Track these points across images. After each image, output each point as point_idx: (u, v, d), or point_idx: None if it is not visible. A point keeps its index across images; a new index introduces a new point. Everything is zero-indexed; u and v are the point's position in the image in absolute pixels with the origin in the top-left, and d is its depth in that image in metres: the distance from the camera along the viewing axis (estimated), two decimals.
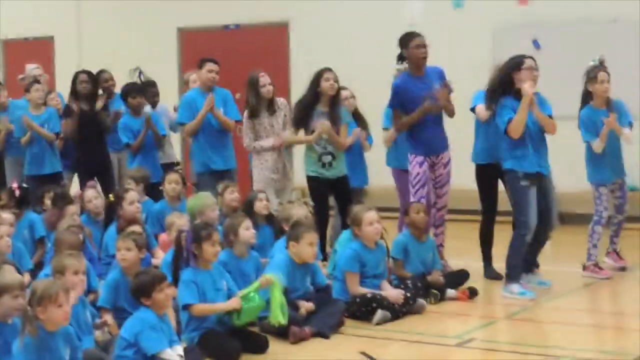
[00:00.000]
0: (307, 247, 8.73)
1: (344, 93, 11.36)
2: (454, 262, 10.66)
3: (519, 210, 9.73)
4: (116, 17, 18.22)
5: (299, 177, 12.14)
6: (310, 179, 11.13)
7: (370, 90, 12.66)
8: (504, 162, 9.78)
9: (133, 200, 10.11)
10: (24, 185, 12.22)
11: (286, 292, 8.27)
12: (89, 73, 13.50)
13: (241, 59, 15.87)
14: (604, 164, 10.60)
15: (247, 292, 7.98)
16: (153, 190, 11.48)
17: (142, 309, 7.16)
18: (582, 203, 11.96)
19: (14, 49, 19.39)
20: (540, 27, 14.50)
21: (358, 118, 11.62)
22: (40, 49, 18.85)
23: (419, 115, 10.36)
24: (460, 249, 11.37)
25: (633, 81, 12.99)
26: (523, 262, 10.03)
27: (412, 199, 10.43)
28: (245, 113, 11.50)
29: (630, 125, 10.59)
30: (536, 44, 14.22)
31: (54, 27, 18.94)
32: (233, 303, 7.91)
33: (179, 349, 7.04)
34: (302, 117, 10.97)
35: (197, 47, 17.21)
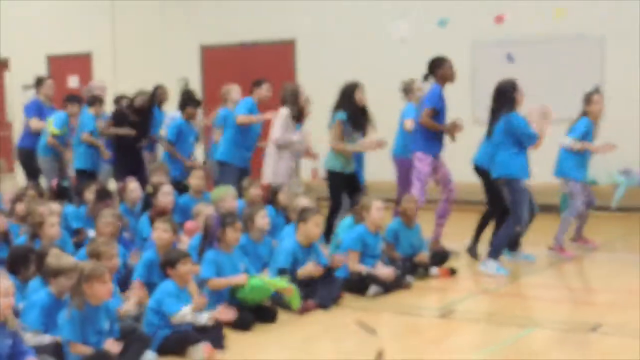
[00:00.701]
0: (313, 227, 8.89)
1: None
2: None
3: (517, 206, 9.94)
4: (146, 36, 18.22)
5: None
6: (332, 174, 11.11)
7: (371, 98, 12.74)
8: (507, 170, 9.97)
9: (168, 192, 10.30)
10: (63, 182, 12.53)
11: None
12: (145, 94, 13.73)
13: (256, 72, 16.00)
14: (584, 164, 10.80)
15: (264, 281, 8.14)
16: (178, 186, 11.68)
17: (166, 280, 7.36)
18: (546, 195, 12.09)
19: (57, 63, 19.46)
20: (514, 43, 14.51)
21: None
22: (80, 64, 18.93)
23: (446, 128, 10.66)
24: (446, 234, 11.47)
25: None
26: (510, 243, 10.30)
27: (416, 192, 10.57)
28: (286, 112, 11.55)
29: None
30: (510, 57, 14.30)
31: (92, 44, 18.96)
32: (240, 278, 8.07)
33: (205, 317, 7.22)
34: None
35: (217, 62, 17.32)
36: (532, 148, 9.99)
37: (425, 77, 10.83)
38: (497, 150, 10.01)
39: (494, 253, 10.08)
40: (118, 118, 13.41)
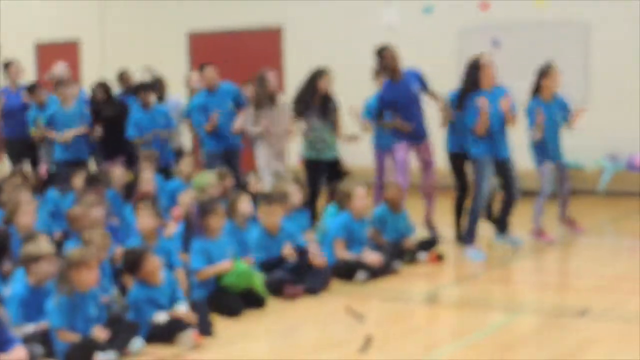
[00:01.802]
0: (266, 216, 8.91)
1: None
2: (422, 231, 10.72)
3: (478, 182, 9.97)
4: (134, 23, 18.13)
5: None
6: (308, 162, 11.17)
7: (355, 85, 12.73)
8: (472, 150, 9.98)
9: (149, 179, 10.25)
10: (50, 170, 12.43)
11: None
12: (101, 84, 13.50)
13: (242, 59, 15.94)
14: (547, 147, 10.71)
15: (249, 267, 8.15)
16: (165, 173, 11.60)
17: (135, 283, 7.26)
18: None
19: (45, 51, 19.34)
20: (499, 29, 14.51)
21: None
22: (68, 51, 18.84)
23: (389, 125, 10.68)
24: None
25: (578, 76, 13.11)
26: (501, 225, 10.30)
27: (399, 178, 10.56)
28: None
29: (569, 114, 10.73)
30: (496, 43, 14.27)
31: (80, 31, 18.87)
32: (226, 265, 8.02)
33: (183, 307, 7.16)
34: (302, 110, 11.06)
35: (204, 49, 17.27)
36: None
37: (378, 72, 10.91)
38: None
39: (469, 237, 10.12)
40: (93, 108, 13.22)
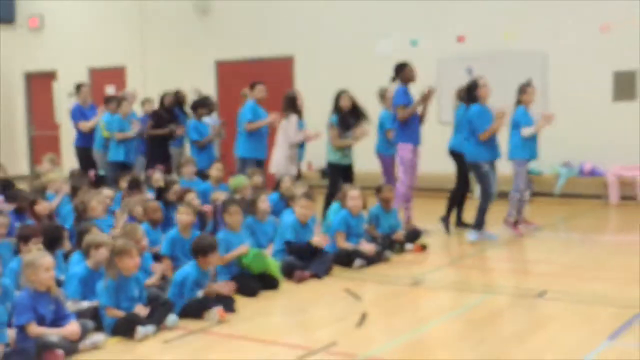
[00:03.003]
0: (299, 209, 8.90)
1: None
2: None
3: (486, 185, 10.04)
4: (170, 52, 18.08)
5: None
6: (331, 165, 11.09)
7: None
8: (473, 154, 10.04)
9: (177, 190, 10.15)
10: (100, 172, 12.45)
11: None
12: (174, 93, 13.87)
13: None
14: (531, 145, 10.61)
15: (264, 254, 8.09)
16: (202, 176, 11.61)
17: (192, 262, 7.24)
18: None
19: (97, 75, 19.31)
20: (473, 59, 14.44)
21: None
22: (116, 75, 18.84)
23: (418, 103, 10.56)
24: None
25: (538, 96, 12.99)
26: (477, 223, 10.29)
27: (402, 175, 10.61)
28: (294, 118, 11.39)
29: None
30: (469, 71, 14.20)
31: (126, 59, 18.84)
32: (242, 249, 7.98)
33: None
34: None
35: (229, 74, 17.24)
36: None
37: (393, 79, 10.82)
38: (468, 137, 10.13)
39: (477, 226, 10.19)
40: (156, 118, 13.48)
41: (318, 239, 8.83)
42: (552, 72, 13.90)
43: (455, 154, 10.85)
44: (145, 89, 17.34)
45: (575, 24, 13.70)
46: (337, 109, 10.94)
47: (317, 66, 16.14)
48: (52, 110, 19.68)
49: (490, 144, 10.09)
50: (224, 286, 7.26)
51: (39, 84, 20.48)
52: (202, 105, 12.89)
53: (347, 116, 10.93)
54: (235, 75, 16.92)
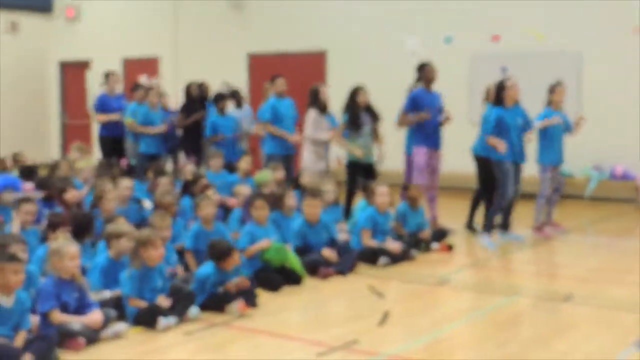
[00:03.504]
0: (307, 208, 8.80)
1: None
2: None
3: (501, 184, 9.89)
4: (203, 44, 18.16)
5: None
6: (349, 163, 10.84)
7: (386, 98, 12.54)
8: (493, 153, 9.90)
9: (205, 183, 10.18)
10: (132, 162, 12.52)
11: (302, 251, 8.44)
12: (198, 85, 13.74)
13: (293, 77, 15.85)
14: (554, 151, 10.53)
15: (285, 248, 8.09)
16: (229, 169, 11.63)
17: (210, 263, 7.17)
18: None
19: (131, 65, 19.44)
20: (508, 57, 14.36)
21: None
22: (150, 65, 18.93)
23: (414, 119, 10.48)
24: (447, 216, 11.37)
25: (572, 97, 12.88)
26: (503, 224, 10.17)
27: (417, 179, 10.51)
28: (313, 113, 11.21)
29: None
30: (504, 69, 14.12)
31: (159, 50, 18.94)
32: (265, 242, 7.99)
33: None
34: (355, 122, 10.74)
35: (261, 68, 17.26)
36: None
37: (417, 80, 10.75)
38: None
39: (487, 227, 10.06)
40: (187, 108, 13.42)
41: (329, 252, 8.60)
42: (586, 73, 13.82)
43: (478, 158, 10.62)
44: (178, 80, 17.42)
45: (609, 24, 13.63)
46: (351, 105, 10.70)
47: (350, 61, 16.12)
48: (84, 99, 19.83)
49: (512, 146, 9.90)
50: (238, 282, 7.18)
51: (73, 74, 20.67)
52: (223, 98, 12.88)
53: (361, 114, 10.72)
54: (267, 68, 16.91)
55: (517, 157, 10.02)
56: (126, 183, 9.62)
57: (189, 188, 9.93)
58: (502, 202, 9.96)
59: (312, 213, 8.75)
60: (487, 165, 10.20)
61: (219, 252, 7.12)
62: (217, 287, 7.01)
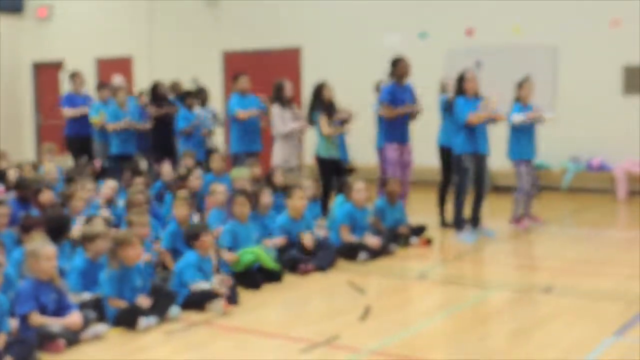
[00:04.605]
0: (297, 200, 8.81)
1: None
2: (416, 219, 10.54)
3: (459, 178, 9.92)
4: (177, 43, 18.08)
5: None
6: (320, 160, 10.78)
7: (360, 94, 12.58)
8: (455, 147, 9.89)
9: (198, 176, 10.18)
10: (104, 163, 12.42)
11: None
12: (172, 85, 13.70)
13: (268, 74, 15.84)
14: (524, 145, 10.55)
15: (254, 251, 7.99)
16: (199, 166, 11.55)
17: (189, 251, 7.24)
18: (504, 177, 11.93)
19: (104, 65, 19.33)
20: (482, 52, 14.41)
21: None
22: (123, 65, 18.84)
23: (401, 112, 10.46)
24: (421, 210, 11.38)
25: (547, 91, 12.96)
26: (472, 219, 10.14)
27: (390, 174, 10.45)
28: (277, 109, 11.16)
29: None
30: (478, 64, 14.15)
31: (132, 49, 18.84)
32: (232, 258, 7.85)
33: (216, 280, 7.14)
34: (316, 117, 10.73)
35: (236, 65, 17.20)
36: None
37: (390, 75, 10.72)
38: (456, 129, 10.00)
39: (457, 224, 10.10)
40: (156, 99, 13.23)
41: (308, 238, 8.66)
42: (562, 67, 13.88)
43: (442, 148, 10.69)
44: (152, 79, 17.28)
45: (585, 18, 13.69)
46: (319, 100, 10.69)
47: (325, 58, 16.12)
48: (58, 99, 19.67)
49: (476, 136, 9.93)
50: (221, 282, 7.16)
51: (46, 74, 20.52)
52: (192, 95, 12.85)
53: (329, 108, 10.71)
54: (242, 66, 16.84)
55: (480, 148, 9.93)
56: (111, 184, 9.65)
57: (174, 187, 9.91)
58: (463, 195, 10.00)
59: (299, 206, 8.79)
60: (449, 155, 10.30)
61: (194, 231, 7.20)
62: (197, 275, 6.99)
